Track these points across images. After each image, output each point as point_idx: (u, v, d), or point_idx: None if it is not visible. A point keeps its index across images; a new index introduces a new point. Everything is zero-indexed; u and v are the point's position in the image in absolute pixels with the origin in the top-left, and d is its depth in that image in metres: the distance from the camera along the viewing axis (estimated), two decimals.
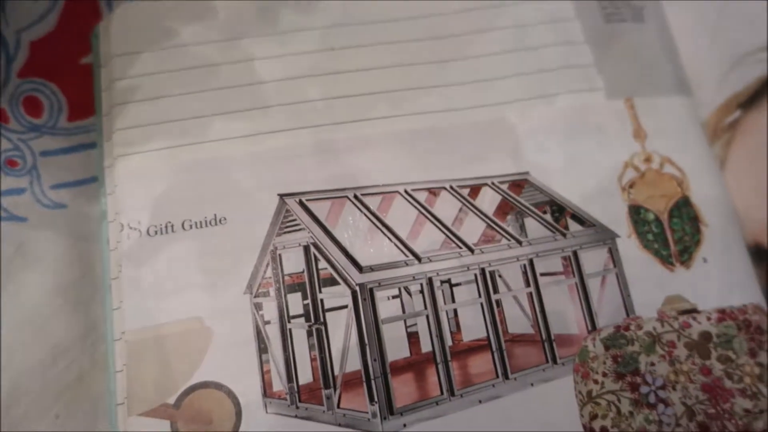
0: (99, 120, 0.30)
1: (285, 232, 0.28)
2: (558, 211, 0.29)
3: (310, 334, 0.27)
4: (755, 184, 0.29)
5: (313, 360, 0.27)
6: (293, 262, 0.28)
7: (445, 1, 0.31)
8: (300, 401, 0.26)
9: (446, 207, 0.29)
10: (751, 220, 0.29)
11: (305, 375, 0.26)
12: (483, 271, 0.28)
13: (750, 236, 0.29)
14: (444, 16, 0.31)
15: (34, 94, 0.30)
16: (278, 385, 0.26)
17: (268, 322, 0.27)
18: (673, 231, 0.28)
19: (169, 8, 0.31)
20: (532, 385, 0.27)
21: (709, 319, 0.26)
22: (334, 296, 0.27)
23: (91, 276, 0.28)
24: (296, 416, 0.26)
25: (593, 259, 0.28)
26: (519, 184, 0.29)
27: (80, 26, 0.32)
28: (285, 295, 0.27)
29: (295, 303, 0.27)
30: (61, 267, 0.28)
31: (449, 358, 0.26)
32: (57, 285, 0.28)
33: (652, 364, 0.25)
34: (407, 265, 0.27)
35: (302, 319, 0.27)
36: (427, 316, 0.27)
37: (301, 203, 0.28)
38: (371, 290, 0.26)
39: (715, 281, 0.27)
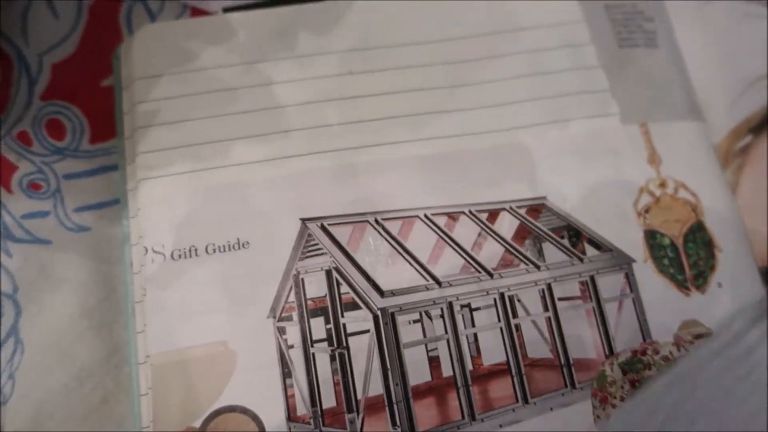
0: (121, 142, 0.30)
1: (307, 257, 0.28)
2: (575, 236, 0.30)
3: (333, 358, 0.27)
4: (766, 209, 0.30)
5: (336, 384, 0.27)
6: (315, 287, 0.28)
7: (462, 26, 0.32)
8: (324, 425, 0.27)
9: (465, 231, 0.29)
10: (762, 244, 0.29)
11: (329, 399, 0.27)
12: (502, 295, 0.28)
13: (761, 260, 0.29)
14: (461, 40, 0.32)
15: (56, 116, 0.31)
16: (302, 409, 0.27)
17: (291, 347, 0.27)
18: (688, 255, 0.29)
19: (189, 31, 0.31)
20: (551, 409, 0.27)
21: None
22: (356, 321, 0.27)
23: (114, 298, 0.29)
24: None
25: (610, 284, 0.29)
26: (536, 208, 0.29)
27: (101, 48, 0.32)
28: (308, 320, 0.28)
29: (318, 327, 0.27)
30: (85, 290, 0.29)
31: (470, 382, 0.27)
32: (81, 308, 0.28)
33: None
34: (428, 289, 0.28)
35: (325, 344, 0.27)
36: (448, 341, 0.27)
37: (322, 228, 0.28)
38: (393, 315, 0.27)
39: (730, 306, 0.28)
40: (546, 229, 0.30)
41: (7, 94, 0.31)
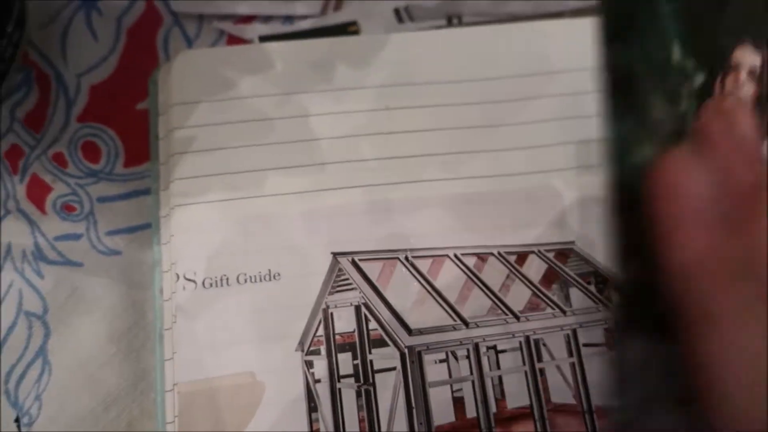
0: (155, 167, 0.30)
1: (337, 291, 0.28)
2: (602, 283, 0.30)
3: (359, 394, 0.27)
4: None
5: (361, 421, 0.27)
6: (344, 322, 0.28)
7: (500, 66, 0.32)
8: None
9: (494, 273, 0.29)
10: None
11: None
12: (527, 339, 0.28)
13: None
14: (498, 80, 0.32)
15: (92, 139, 0.31)
16: None
17: (318, 381, 0.27)
18: None
19: (227, 58, 0.32)
20: None
21: None
22: (383, 358, 0.28)
23: (143, 324, 0.29)
24: None
25: None
26: (565, 253, 0.30)
27: (137, 71, 0.32)
28: (335, 355, 0.28)
29: (345, 363, 0.28)
30: (114, 314, 0.29)
31: (494, 425, 0.27)
32: (110, 332, 0.28)
33: None
34: (455, 329, 0.28)
35: (352, 379, 0.27)
36: (473, 382, 0.28)
37: (353, 263, 0.29)
38: (419, 353, 0.27)
39: None
40: (574, 274, 0.30)
41: (45, 114, 0.31)
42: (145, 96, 0.32)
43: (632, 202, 0.17)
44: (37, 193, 0.30)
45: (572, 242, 0.30)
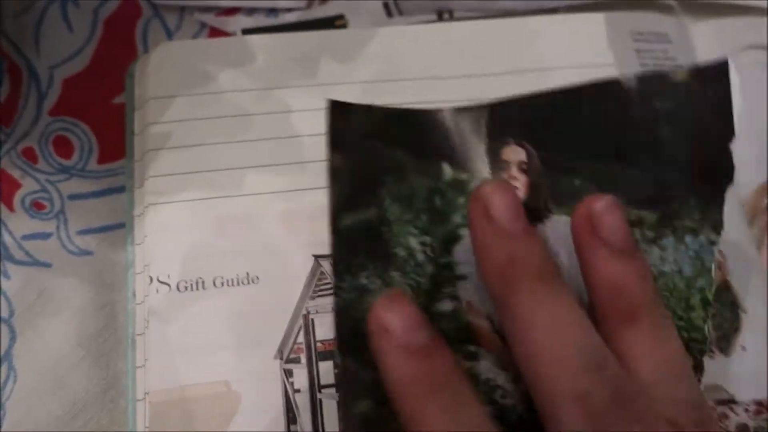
0: (129, 164, 0.29)
1: (319, 296, 0.27)
2: None
3: (340, 405, 0.26)
4: None
5: None
6: (326, 328, 0.27)
7: (488, 62, 0.31)
8: None
9: None
10: None
11: None
12: None
13: None
14: (486, 77, 0.31)
15: (64, 134, 0.30)
16: None
17: (297, 391, 0.26)
18: (713, 317, 0.28)
19: (207, 51, 0.31)
20: None
21: (746, 410, 0.26)
22: None
23: (114, 327, 0.27)
24: None
25: None
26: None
27: (114, 64, 0.31)
28: (316, 363, 0.26)
29: (327, 372, 0.26)
30: (84, 317, 0.27)
31: None
32: (79, 336, 0.27)
33: None
34: None
35: (333, 390, 0.26)
36: None
37: None
38: None
39: (754, 371, 0.27)
40: None
41: (15, 107, 0.30)
42: (121, 90, 0.31)
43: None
44: (5, 189, 0.29)
45: None
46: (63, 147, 0.29)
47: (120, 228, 0.29)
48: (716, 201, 0.23)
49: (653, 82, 0.24)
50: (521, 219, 0.21)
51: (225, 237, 0.27)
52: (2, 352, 0.27)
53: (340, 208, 0.23)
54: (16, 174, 0.29)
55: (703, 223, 0.23)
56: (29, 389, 0.26)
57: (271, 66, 0.30)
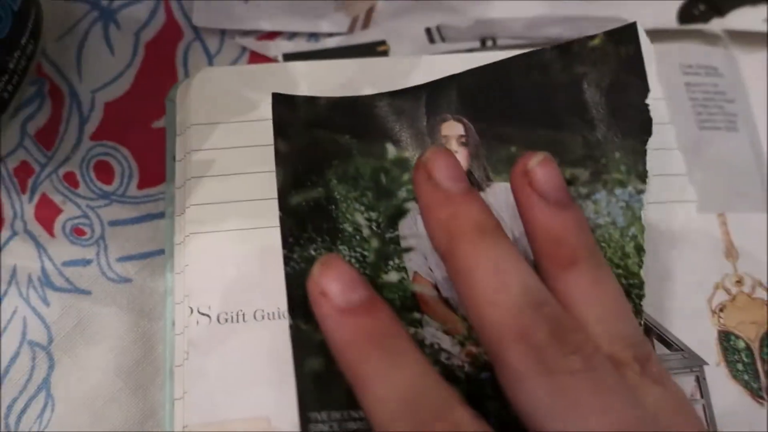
0: (170, 189, 0.29)
1: None
2: (645, 332, 0.28)
3: None
4: None
5: None
6: None
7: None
8: None
9: None
10: None
11: None
12: None
13: None
14: None
15: (105, 158, 0.29)
16: None
17: None
18: (764, 362, 0.27)
19: (249, 78, 0.30)
20: None
21: None
22: None
23: (152, 358, 0.27)
24: None
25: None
26: None
27: (155, 87, 0.31)
28: None
29: None
30: (122, 346, 0.27)
31: None
32: (118, 366, 0.27)
33: None
34: None
35: None
36: None
37: None
38: None
39: None
40: None
41: (56, 130, 0.30)
42: (161, 114, 0.30)
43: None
44: (46, 214, 0.28)
45: None
46: (104, 172, 0.29)
47: (159, 254, 0.28)
48: (640, 153, 0.25)
49: (572, 49, 0.26)
50: (461, 180, 0.23)
51: (267, 269, 0.27)
52: (40, 380, 0.26)
53: (287, 188, 0.26)
54: (57, 199, 0.29)
55: (629, 175, 0.25)
56: (67, 419, 0.26)
57: (314, 93, 0.30)
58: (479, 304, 0.21)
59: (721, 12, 0.34)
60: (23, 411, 0.26)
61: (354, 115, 0.27)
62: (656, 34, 0.33)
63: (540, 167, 0.23)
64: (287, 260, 0.25)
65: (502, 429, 0.20)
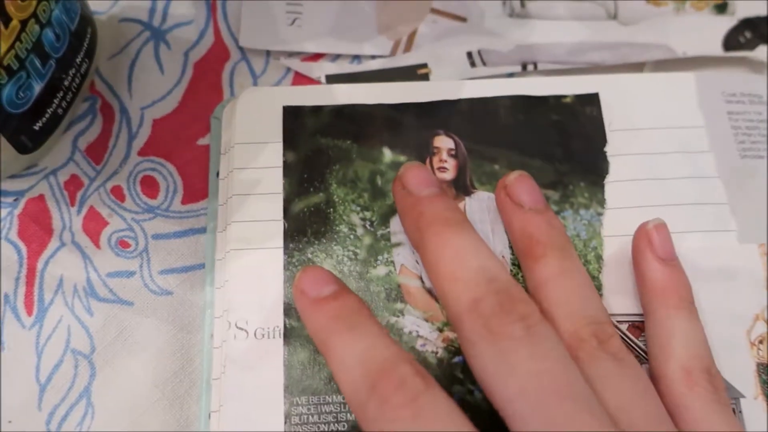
0: (212, 205, 0.30)
1: None
2: None
3: None
4: None
5: None
6: None
7: None
8: None
9: None
10: None
11: None
12: None
13: None
14: None
15: (151, 174, 0.30)
16: None
17: None
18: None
19: (293, 99, 0.31)
20: None
21: None
22: None
23: (189, 370, 0.28)
24: None
25: None
26: (638, 326, 0.28)
27: (200, 105, 0.32)
28: None
29: None
30: (161, 358, 0.28)
31: None
32: (156, 377, 0.27)
33: None
34: None
35: None
36: None
37: None
38: None
39: None
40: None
41: (106, 145, 0.31)
42: (207, 131, 0.31)
43: None
44: (93, 226, 0.29)
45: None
46: (150, 187, 0.30)
47: (200, 269, 0.29)
48: (599, 185, 0.29)
49: (549, 101, 0.31)
50: (429, 185, 0.26)
51: None
52: (82, 388, 0.27)
53: (291, 196, 0.29)
54: (104, 212, 0.29)
55: (591, 200, 0.29)
56: (106, 427, 0.27)
57: None
58: (443, 282, 0.24)
59: (767, 39, 0.34)
60: (64, 418, 0.27)
61: (355, 122, 0.30)
62: (700, 61, 0.33)
63: (516, 181, 0.27)
64: (287, 265, 0.28)
65: (466, 410, 0.21)
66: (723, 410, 0.24)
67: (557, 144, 0.30)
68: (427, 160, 0.30)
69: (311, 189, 0.29)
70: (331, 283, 0.23)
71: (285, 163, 0.29)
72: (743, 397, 0.26)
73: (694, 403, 0.23)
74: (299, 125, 0.30)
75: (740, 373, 0.27)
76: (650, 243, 0.27)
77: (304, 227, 0.28)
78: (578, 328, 0.24)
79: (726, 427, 0.23)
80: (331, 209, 0.29)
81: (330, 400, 0.26)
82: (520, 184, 0.27)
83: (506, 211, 0.27)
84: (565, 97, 0.31)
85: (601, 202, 0.29)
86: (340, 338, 0.22)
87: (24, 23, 0.25)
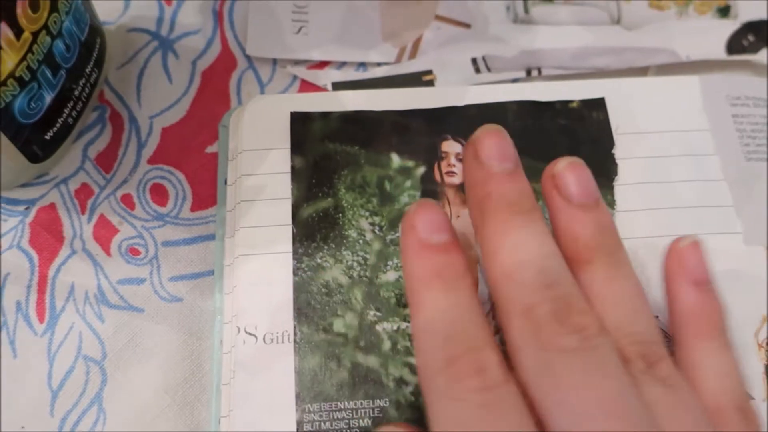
0: (221, 212, 0.30)
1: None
2: None
3: None
4: None
5: None
6: None
7: None
8: None
9: None
10: None
11: None
12: None
13: None
14: None
15: (161, 182, 0.31)
16: None
17: None
18: None
19: (300, 106, 0.31)
20: None
21: None
22: None
23: (199, 375, 0.28)
24: None
25: None
26: None
27: (208, 114, 0.32)
28: None
29: None
30: (171, 364, 0.28)
31: None
32: (166, 383, 0.28)
33: None
34: None
35: None
36: None
37: None
38: None
39: None
40: None
41: (116, 154, 0.31)
42: (215, 139, 0.32)
43: None
44: (104, 234, 0.30)
45: (656, 317, 0.27)
46: (159, 195, 0.30)
47: (209, 275, 0.29)
48: (608, 187, 0.29)
49: (556, 106, 0.31)
50: (506, 160, 0.23)
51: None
52: (93, 394, 0.27)
53: (300, 202, 0.29)
54: (114, 220, 0.30)
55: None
56: None
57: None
58: (497, 277, 0.22)
59: None
60: (76, 423, 0.27)
61: (363, 128, 0.30)
62: (704, 65, 0.33)
63: (566, 169, 0.24)
64: (296, 270, 0.28)
65: None
66: None
67: (566, 148, 0.30)
68: (436, 165, 0.30)
69: (320, 194, 0.29)
70: (445, 231, 0.22)
71: (293, 168, 0.29)
72: (752, 399, 0.26)
73: None
74: (307, 131, 0.30)
75: (749, 376, 0.27)
76: (682, 265, 0.25)
77: (313, 232, 0.28)
78: (623, 346, 0.21)
79: None
80: (340, 214, 0.29)
81: (342, 407, 0.26)
82: (570, 173, 0.24)
83: (551, 205, 0.24)
84: (571, 102, 0.31)
85: (611, 204, 0.29)
86: (433, 297, 0.21)
87: (35, 35, 0.26)
